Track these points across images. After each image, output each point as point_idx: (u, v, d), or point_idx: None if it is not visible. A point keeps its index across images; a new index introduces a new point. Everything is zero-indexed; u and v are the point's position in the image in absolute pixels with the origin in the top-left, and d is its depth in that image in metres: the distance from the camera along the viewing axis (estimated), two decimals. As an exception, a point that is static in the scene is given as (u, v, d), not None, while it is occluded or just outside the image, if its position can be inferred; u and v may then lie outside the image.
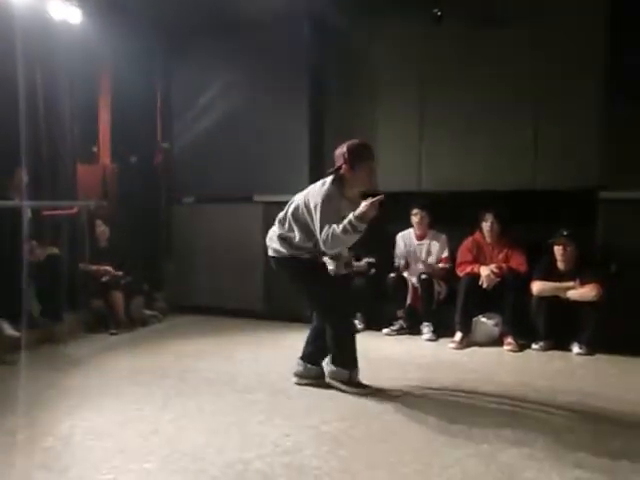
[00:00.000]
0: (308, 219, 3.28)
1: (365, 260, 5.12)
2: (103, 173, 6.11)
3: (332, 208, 3.19)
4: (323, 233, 3.13)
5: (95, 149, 6.14)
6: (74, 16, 5.10)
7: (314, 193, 3.28)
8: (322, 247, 3.21)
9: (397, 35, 5.38)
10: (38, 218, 5.00)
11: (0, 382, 3.66)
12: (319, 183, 3.35)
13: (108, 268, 5.19)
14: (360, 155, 3.32)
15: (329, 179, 3.31)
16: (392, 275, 4.99)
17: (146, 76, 5.99)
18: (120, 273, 5.18)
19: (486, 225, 4.77)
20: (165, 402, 3.27)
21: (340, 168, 3.31)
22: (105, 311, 5.13)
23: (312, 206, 3.23)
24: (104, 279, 5.12)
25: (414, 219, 5.10)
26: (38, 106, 5.14)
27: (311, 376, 3.55)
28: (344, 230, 3.10)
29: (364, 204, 3.09)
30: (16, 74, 4.79)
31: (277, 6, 4.96)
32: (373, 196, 3.12)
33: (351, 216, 3.08)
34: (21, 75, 4.87)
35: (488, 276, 4.58)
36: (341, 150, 3.33)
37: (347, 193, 3.34)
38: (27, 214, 4.80)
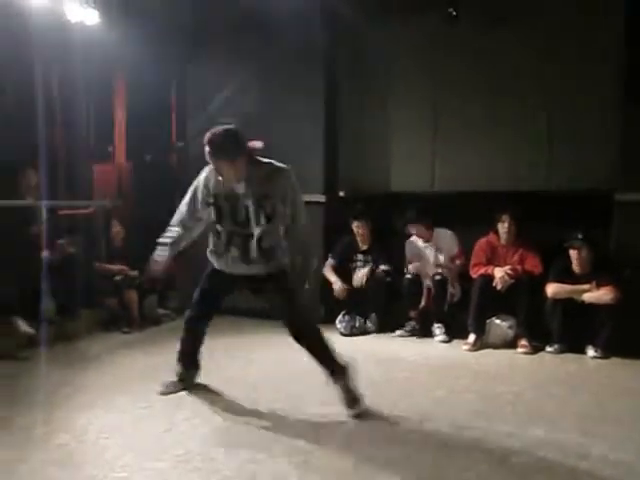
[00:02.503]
0: None
1: (382, 267, 5.09)
2: (118, 172, 6.17)
3: (194, 198, 3.22)
4: None
5: (111, 149, 6.20)
6: (91, 18, 5.15)
7: None
8: None
9: (411, 34, 5.36)
10: (54, 218, 5.06)
11: (16, 379, 3.70)
12: None
13: (123, 267, 5.23)
14: (207, 150, 3.09)
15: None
16: (407, 276, 4.97)
17: (161, 76, 6.03)
18: (134, 272, 5.22)
19: (503, 226, 4.73)
20: (178, 401, 3.28)
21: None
22: (119, 310, 5.16)
23: None
24: (118, 278, 5.16)
25: (412, 231, 5.06)
26: (54, 106, 5.20)
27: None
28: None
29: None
30: (33, 75, 4.86)
31: (292, 5, 4.96)
32: None
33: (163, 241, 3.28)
34: (38, 76, 4.93)
35: (502, 277, 4.55)
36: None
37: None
38: (44, 214, 4.85)
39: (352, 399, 3.07)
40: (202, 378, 3.56)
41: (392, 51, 5.48)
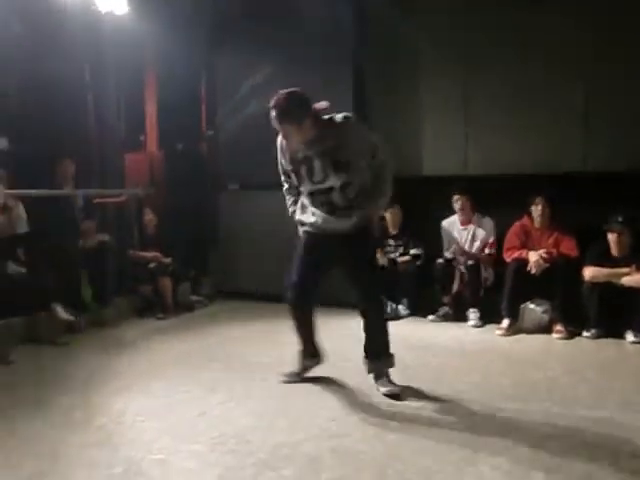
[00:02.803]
0: None
1: (412, 252, 5.06)
2: (150, 161, 6.24)
3: (281, 165, 3.21)
4: None
5: (142, 138, 6.27)
6: (120, 7, 5.20)
7: None
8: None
9: (440, 16, 5.28)
10: (89, 206, 5.16)
11: (55, 363, 3.80)
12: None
13: (156, 254, 5.31)
14: (273, 115, 2.95)
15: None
16: (440, 261, 4.93)
17: (190, 65, 6.06)
18: (167, 260, 5.30)
19: (536, 209, 4.63)
20: (212, 385, 3.33)
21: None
22: (153, 296, 5.25)
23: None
24: (152, 265, 5.24)
25: (456, 205, 5.02)
26: (86, 97, 5.28)
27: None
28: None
29: None
30: (65, 66, 4.93)
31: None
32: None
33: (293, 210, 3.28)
34: (70, 67, 5.00)
35: (537, 261, 4.46)
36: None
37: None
38: (80, 202, 4.95)
39: (391, 383, 3.15)
40: (237, 362, 3.59)
41: (421, 33, 5.39)
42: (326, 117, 3.02)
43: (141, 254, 5.34)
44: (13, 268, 4.32)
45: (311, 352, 3.39)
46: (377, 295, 3.21)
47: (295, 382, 3.32)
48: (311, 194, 3.08)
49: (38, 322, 4.30)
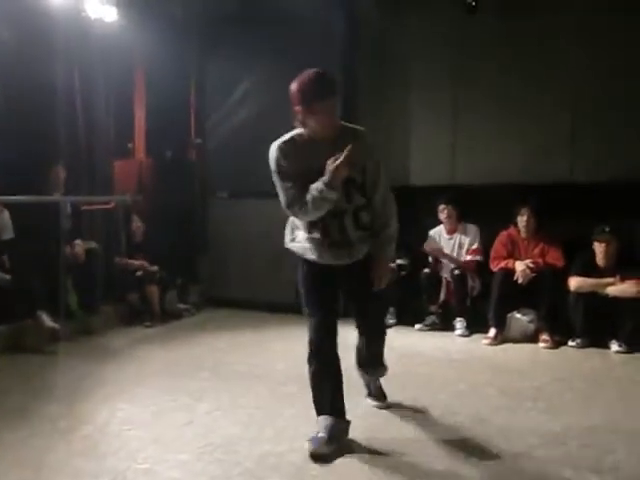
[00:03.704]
0: None
1: (397, 262, 5.08)
2: (139, 168, 6.22)
3: (285, 175, 2.56)
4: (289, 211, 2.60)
5: (130, 145, 6.25)
6: (109, 14, 5.19)
7: None
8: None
9: (429, 26, 5.34)
10: (77, 213, 5.12)
11: (40, 372, 3.76)
12: None
13: (143, 262, 5.28)
14: (315, 91, 2.49)
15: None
16: (426, 270, 4.95)
17: (180, 71, 6.06)
18: (155, 267, 5.27)
19: (522, 220, 4.68)
20: (199, 394, 3.31)
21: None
22: (140, 304, 5.22)
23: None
24: (139, 273, 5.21)
25: (442, 215, 5.05)
26: (75, 103, 5.26)
27: None
28: (313, 202, 2.47)
29: (330, 165, 2.41)
30: (54, 72, 4.91)
31: (311, 3, 4.95)
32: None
33: (320, 184, 2.44)
34: (59, 73, 4.98)
35: (523, 271, 4.50)
36: (293, 89, 2.57)
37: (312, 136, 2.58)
38: (66, 209, 4.91)
39: (382, 394, 3.12)
40: (225, 371, 3.57)
41: (411, 43, 5.44)
42: (343, 123, 2.64)
43: (128, 261, 5.31)
44: (-2, 275, 4.28)
45: (339, 411, 2.66)
46: (382, 323, 3.10)
47: (327, 454, 2.51)
48: (324, 215, 2.55)
49: (23, 330, 4.26)
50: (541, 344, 4.40)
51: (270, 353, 4.26)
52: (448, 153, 5.39)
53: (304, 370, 3.73)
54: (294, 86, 2.55)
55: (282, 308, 5.59)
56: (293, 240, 2.75)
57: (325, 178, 2.43)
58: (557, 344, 4.38)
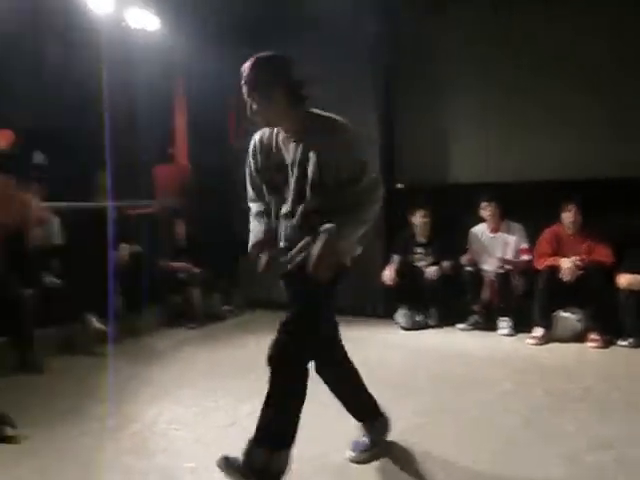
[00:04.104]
0: None
1: (444, 264, 5.00)
2: (180, 173, 6.34)
3: (250, 173, 2.39)
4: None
5: (172, 150, 6.38)
6: (151, 23, 5.32)
7: None
8: None
9: (461, 22, 5.28)
10: (122, 218, 5.26)
11: (89, 373, 3.87)
12: None
13: (186, 265, 5.37)
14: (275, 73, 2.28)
15: None
16: (468, 269, 4.88)
17: (218, 78, 6.14)
18: (198, 270, 5.35)
19: (568, 216, 4.56)
20: (242, 395, 3.34)
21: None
22: (183, 306, 5.32)
23: None
24: (182, 275, 5.31)
25: (484, 213, 4.96)
26: (118, 111, 5.40)
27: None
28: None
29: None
30: (97, 82, 5.06)
31: (347, 5, 4.95)
32: None
33: (252, 239, 2.40)
34: (103, 83, 5.13)
35: (570, 268, 4.38)
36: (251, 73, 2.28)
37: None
38: (112, 214, 5.06)
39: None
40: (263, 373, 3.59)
41: (445, 40, 5.39)
42: (318, 112, 2.29)
43: (172, 264, 5.41)
44: (49, 279, 4.43)
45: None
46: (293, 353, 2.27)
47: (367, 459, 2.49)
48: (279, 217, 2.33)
49: (73, 332, 4.40)
50: (589, 344, 4.28)
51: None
52: (487, 150, 5.30)
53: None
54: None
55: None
56: None
57: (254, 241, 2.35)
58: (607, 344, 4.25)
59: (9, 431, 2.76)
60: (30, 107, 5.23)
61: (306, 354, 2.28)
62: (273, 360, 2.24)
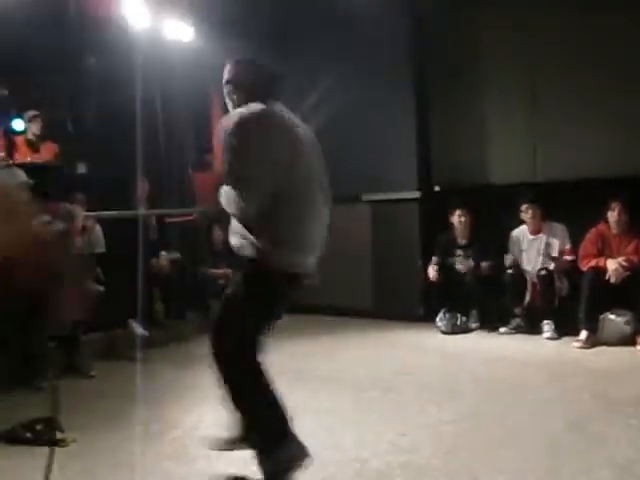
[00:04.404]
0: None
1: (483, 264, 4.91)
2: (217, 180, 6.41)
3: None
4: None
5: (209, 157, 6.47)
6: (187, 34, 5.42)
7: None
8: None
9: (502, 19, 5.18)
10: (162, 225, 5.36)
11: (132, 377, 3.93)
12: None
13: (226, 271, 5.42)
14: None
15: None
16: (510, 272, 4.77)
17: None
18: (236, 275, 5.40)
19: (613, 215, 4.41)
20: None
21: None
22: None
23: None
24: (222, 281, 5.36)
25: (525, 216, 4.85)
26: (157, 120, 5.51)
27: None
28: None
29: None
30: (136, 92, 5.17)
31: (379, 2, 4.94)
32: None
33: None
34: (140, 92, 5.24)
35: (616, 270, 4.24)
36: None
37: None
38: (152, 222, 5.16)
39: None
40: (305, 377, 3.59)
41: (483, 38, 5.31)
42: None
43: (212, 270, 5.47)
44: (93, 286, 4.54)
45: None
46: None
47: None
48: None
49: (116, 338, 4.49)
50: (639, 347, 4.12)
51: (348, 358, 4.25)
52: (528, 149, 5.20)
53: (383, 375, 3.72)
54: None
55: (358, 313, 5.59)
56: None
57: None
58: (657, 347, 4.10)
59: (58, 434, 2.82)
60: (71, 119, 5.38)
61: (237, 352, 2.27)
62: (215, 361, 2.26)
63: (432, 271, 4.98)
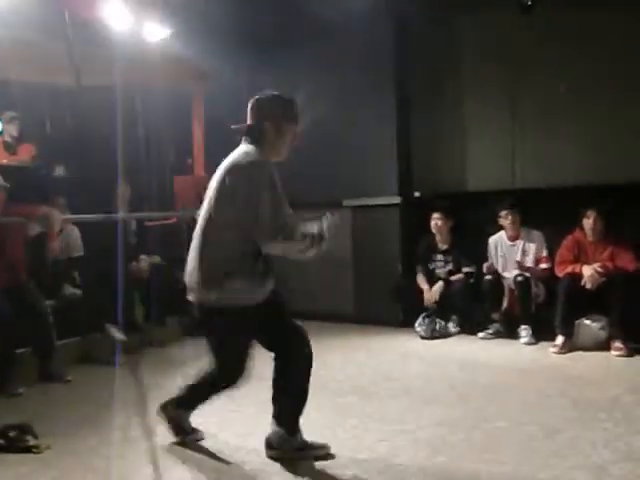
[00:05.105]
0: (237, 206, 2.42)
1: (465, 269, 4.99)
2: (198, 184, 6.37)
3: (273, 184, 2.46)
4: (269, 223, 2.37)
5: (190, 161, 6.43)
6: (168, 37, 5.38)
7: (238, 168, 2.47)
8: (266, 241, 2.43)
9: (481, 28, 5.26)
10: (141, 229, 5.31)
11: (110, 383, 3.89)
12: (238, 153, 2.57)
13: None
14: (291, 112, 2.58)
15: (250, 146, 2.53)
16: (488, 278, 4.83)
17: (236, 88, 6.19)
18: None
19: (588, 222, 4.49)
20: (261, 405, 3.32)
21: (262, 128, 2.53)
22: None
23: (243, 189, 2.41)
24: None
25: (504, 221, 4.91)
26: (137, 123, 5.47)
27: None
28: (295, 240, 2.47)
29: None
30: (115, 94, 5.13)
31: (359, 10, 4.97)
32: None
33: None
34: (119, 95, 5.20)
35: (592, 276, 4.31)
36: (267, 102, 2.58)
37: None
38: (132, 226, 5.11)
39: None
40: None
41: (463, 47, 5.38)
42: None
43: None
44: (69, 290, 4.48)
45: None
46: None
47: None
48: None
49: (93, 342, 4.43)
50: (614, 352, 4.19)
51: (328, 363, 4.25)
52: (507, 157, 5.27)
53: (362, 380, 3.73)
54: (276, 101, 2.56)
55: (339, 318, 5.60)
56: (228, 289, 2.46)
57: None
58: (631, 352, 4.17)
59: (32, 441, 2.78)
60: (50, 121, 5.32)
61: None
62: None
63: (429, 296, 5.01)
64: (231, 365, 2.61)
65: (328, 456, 2.58)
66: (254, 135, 2.53)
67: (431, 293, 5.03)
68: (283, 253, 2.52)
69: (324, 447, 2.63)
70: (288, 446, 2.58)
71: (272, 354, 2.68)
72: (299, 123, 2.57)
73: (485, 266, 4.89)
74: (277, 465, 2.55)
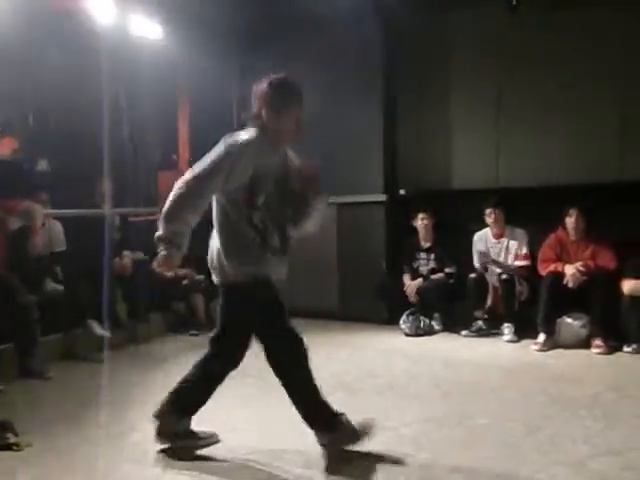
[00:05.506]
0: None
1: (447, 270, 5.01)
2: (183, 179, 6.34)
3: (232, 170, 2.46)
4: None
5: (175, 157, 6.39)
6: (154, 32, 5.34)
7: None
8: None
9: (470, 27, 5.28)
10: (125, 225, 5.26)
11: (90, 379, 3.86)
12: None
13: (189, 271, 5.36)
14: (289, 96, 2.58)
15: (252, 130, 2.57)
16: (472, 276, 4.86)
17: (223, 85, 6.16)
18: (200, 276, 5.34)
19: (570, 221, 4.54)
20: (244, 401, 3.33)
21: (262, 115, 2.54)
22: (186, 313, 5.31)
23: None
24: (185, 282, 5.30)
25: (489, 219, 4.94)
26: (121, 118, 5.42)
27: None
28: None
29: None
30: (100, 89, 5.08)
31: (348, 6, 4.96)
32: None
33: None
34: (105, 90, 5.15)
35: (574, 274, 4.36)
36: (265, 89, 2.55)
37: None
38: (115, 221, 5.06)
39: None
40: (269, 378, 3.58)
41: (450, 45, 5.39)
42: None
43: (175, 271, 5.40)
44: (51, 286, 4.43)
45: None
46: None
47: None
48: (265, 220, 2.60)
49: (74, 338, 4.39)
50: (594, 350, 4.25)
51: (313, 360, 4.24)
52: (491, 156, 5.30)
53: (346, 377, 3.74)
54: (274, 87, 2.54)
55: (323, 315, 5.59)
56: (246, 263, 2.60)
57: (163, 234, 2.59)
58: (611, 350, 4.22)
59: (12, 438, 2.74)
60: (33, 114, 5.25)
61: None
62: None
63: (411, 292, 5.03)
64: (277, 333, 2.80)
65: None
66: (257, 122, 2.55)
67: (410, 287, 5.04)
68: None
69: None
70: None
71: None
72: (301, 106, 2.59)
73: (479, 254, 4.90)
74: (259, 462, 2.54)
